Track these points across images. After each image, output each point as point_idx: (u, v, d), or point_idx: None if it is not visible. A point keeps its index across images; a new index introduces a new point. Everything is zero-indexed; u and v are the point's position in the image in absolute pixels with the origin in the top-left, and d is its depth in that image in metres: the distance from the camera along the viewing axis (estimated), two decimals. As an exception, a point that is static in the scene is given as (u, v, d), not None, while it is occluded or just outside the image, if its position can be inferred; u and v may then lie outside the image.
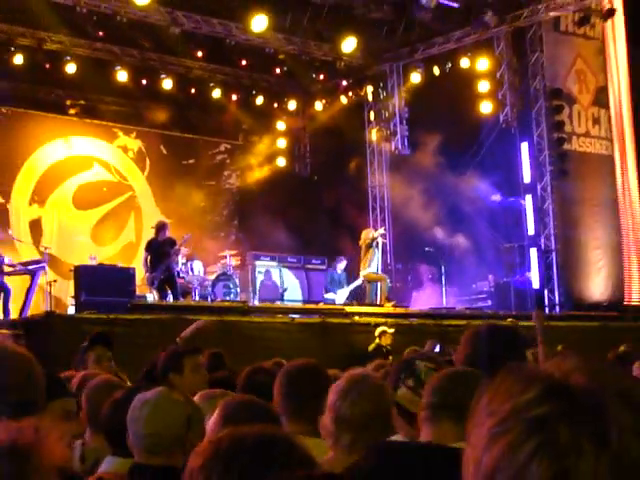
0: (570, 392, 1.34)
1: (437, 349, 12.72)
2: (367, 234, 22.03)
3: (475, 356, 4.66)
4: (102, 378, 5.93)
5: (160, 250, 19.79)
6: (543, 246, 23.41)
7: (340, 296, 22.29)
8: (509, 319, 18.42)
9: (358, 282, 22.43)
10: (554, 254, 23.32)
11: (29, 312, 19.35)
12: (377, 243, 22.08)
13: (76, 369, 8.35)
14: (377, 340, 17.36)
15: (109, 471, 4.51)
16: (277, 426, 3.86)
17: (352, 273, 22.77)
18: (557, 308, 23.21)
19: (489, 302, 23.38)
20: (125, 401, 4.54)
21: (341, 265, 22.74)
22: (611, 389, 1.35)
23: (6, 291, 19.51)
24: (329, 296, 22.51)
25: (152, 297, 20.27)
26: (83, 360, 8.83)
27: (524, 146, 23.69)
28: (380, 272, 22.56)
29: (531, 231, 23.65)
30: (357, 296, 22.65)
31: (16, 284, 20.29)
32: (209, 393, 5.47)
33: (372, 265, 22.01)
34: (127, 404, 4.43)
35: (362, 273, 22.05)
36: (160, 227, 20.21)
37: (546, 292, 23.36)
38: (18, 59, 22.32)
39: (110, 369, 8.24)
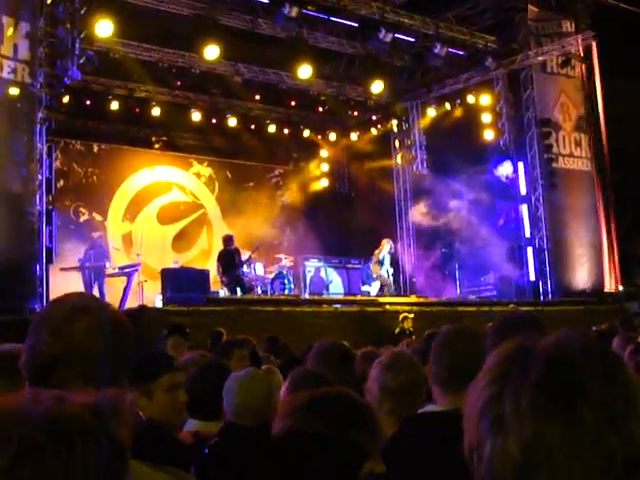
0: (533, 350, 1.44)
1: None
2: (384, 246, 23.03)
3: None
4: (187, 357, 6.20)
5: (228, 258, 20.92)
6: (537, 246, 24.21)
7: (374, 288, 23.38)
8: (511, 305, 19.89)
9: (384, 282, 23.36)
10: (546, 252, 24.13)
11: (126, 306, 19.75)
12: (385, 257, 22.96)
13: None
14: (400, 324, 18.22)
15: (191, 430, 4.77)
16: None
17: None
18: (550, 296, 23.85)
19: (494, 292, 24.24)
20: (199, 377, 4.97)
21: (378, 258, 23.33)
22: (575, 347, 1.43)
23: (101, 292, 20.60)
24: (365, 288, 23.93)
25: (223, 293, 21.28)
26: (164, 346, 9.30)
27: (520, 165, 24.57)
28: (388, 278, 23.31)
29: (527, 234, 24.34)
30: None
31: (115, 284, 21.76)
32: (270, 369, 5.87)
33: (383, 271, 23.00)
34: (200, 379, 4.89)
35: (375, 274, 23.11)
36: (228, 239, 21.44)
37: (540, 283, 24.09)
38: (114, 105, 23.75)
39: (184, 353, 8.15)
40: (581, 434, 1.38)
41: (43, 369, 2.47)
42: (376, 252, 23.08)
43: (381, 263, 23.00)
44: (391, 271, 23.49)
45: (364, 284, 24.01)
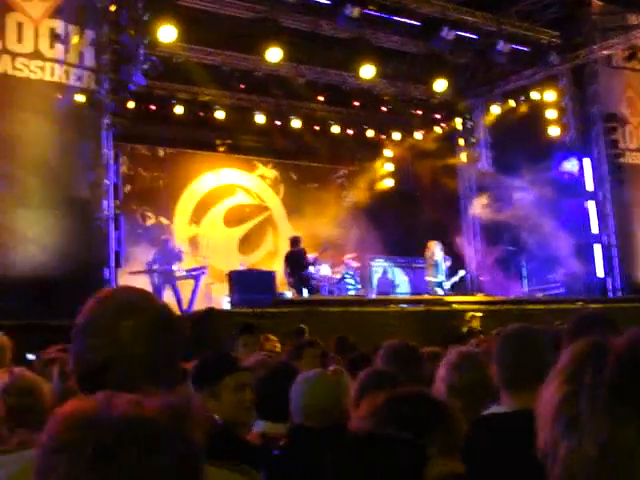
0: (606, 349, 1.43)
1: None
2: (432, 248, 22.93)
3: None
4: (254, 359, 6.19)
5: (295, 259, 21.14)
6: (605, 242, 23.95)
7: (445, 285, 23.19)
8: (579, 302, 20.10)
9: (460, 275, 23.47)
10: (614, 249, 23.89)
11: (194, 308, 20.23)
12: (437, 259, 22.83)
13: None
14: (468, 323, 17.91)
15: (264, 430, 4.82)
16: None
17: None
18: (618, 293, 23.63)
19: (562, 290, 24.10)
20: (267, 378, 5.01)
21: (445, 263, 23.49)
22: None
23: (176, 293, 21.00)
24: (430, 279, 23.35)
25: (290, 294, 21.19)
26: (235, 346, 9.46)
27: (586, 161, 24.27)
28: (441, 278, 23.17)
29: (595, 230, 24.09)
30: (456, 287, 23.53)
31: (182, 286, 21.65)
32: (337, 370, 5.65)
33: (434, 274, 22.87)
34: (268, 380, 4.91)
35: (427, 278, 22.94)
36: (294, 241, 21.69)
37: (608, 280, 23.80)
38: (178, 109, 23.97)
39: (254, 352, 8.35)
40: None
41: (91, 376, 2.35)
42: (427, 255, 23.04)
43: (436, 266, 22.93)
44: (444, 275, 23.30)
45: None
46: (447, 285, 23.29)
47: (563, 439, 1.42)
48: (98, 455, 1.33)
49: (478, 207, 26.46)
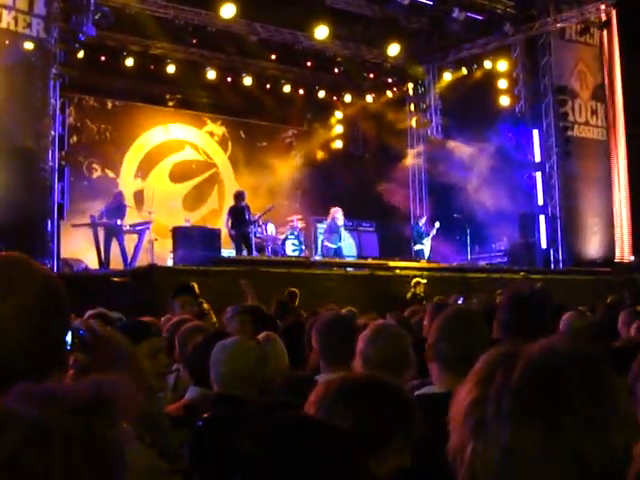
0: (517, 357, 1.46)
1: (460, 301, 12.69)
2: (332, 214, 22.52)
3: (514, 321, 4.82)
4: (191, 325, 6.05)
5: (238, 214, 20.85)
6: (550, 214, 24.21)
7: (426, 244, 23.53)
8: (521, 273, 20.25)
9: (436, 227, 23.47)
10: (559, 220, 24.18)
11: (137, 263, 20.09)
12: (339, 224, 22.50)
13: (171, 313, 8.71)
14: (412, 289, 18.10)
15: (193, 397, 4.79)
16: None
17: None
18: (561, 264, 23.99)
19: (505, 259, 24.36)
20: (204, 344, 4.89)
21: (422, 220, 24.18)
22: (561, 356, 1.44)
23: (122, 248, 20.55)
24: (417, 247, 23.71)
25: (232, 253, 21.14)
26: (171, 306, 9.30)
27: (535, 132, 24.50)
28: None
29: (540, 201, 24.36)
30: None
31: (126, 241, 21.10)
32: (270, 336, 5.87)
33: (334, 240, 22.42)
34: (205, 346, 4.77)
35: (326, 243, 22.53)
36: (238, 195, 21.44)
37: (552, 251, 24.12)
38: (129, 62, 23.61)
39: (193, 313, 8.39)
40: (561, 442, 1.38)
41: None
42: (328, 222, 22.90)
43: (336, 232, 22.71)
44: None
45: (416, 243, 23.87)
46: (427, 242, 23.60)
47: (470, 441, 1.44)
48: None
49: (412, 157, 27.04)
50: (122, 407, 1.39)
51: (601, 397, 1.44)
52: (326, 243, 22.52)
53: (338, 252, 22.36)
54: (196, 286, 9.75)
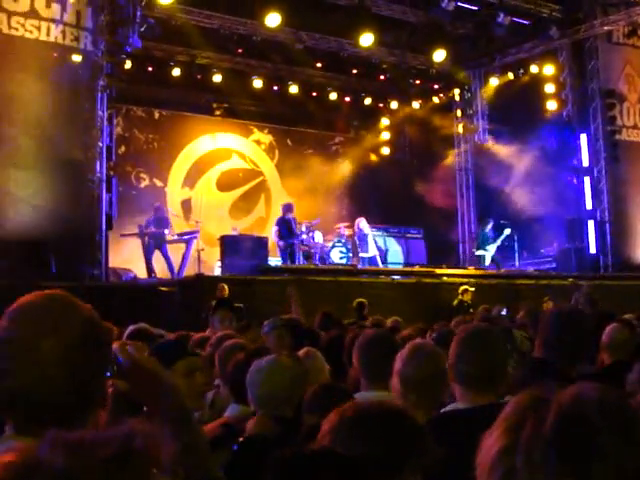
0: (548, 402, 1.44)
1: (504, 312, 12.79)
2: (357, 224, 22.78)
3: (552, 341, 4.79)
4: (232, 342, 5.97)
5: (286, 226, 21.17)
6: (599, 218, 23.93)
7: (490, 251, 23.10)
8: (570, 279, 20.21)
9: (506, 233, 22.87)
10: (608, 225, 23.88)
11: (184, 273, 20.47)
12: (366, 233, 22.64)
13: (211, 328, 8.91)
14: (459, 297, 18.03)
15: (233, 415, 4.78)
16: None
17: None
18: (610, 269, 23.64)
19: (554, 265, 24.14)
20: (245, 361, 4.82)
21: (489, 226, 23.33)
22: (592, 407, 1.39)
23: (166, 258, 21.01)
24: (479, 252, 23.52)
25: (279, 262, 21.41)
26: (211, 321, 9.48)
27: (583, 137, 24.26)
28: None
29: (589, 206, 24.07)
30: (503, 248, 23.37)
31: (174, 250, 21.76)
32: (310, 352, 5.79)
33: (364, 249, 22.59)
34: (246, 364, 4.70)
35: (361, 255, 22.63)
36: (286, 208, 21.69)
37: (601, 257, 23.88)
38: (176, 72, 23.83)
39: (231, 328, 8.42)
40: None
41: (4, 404, 2.10)
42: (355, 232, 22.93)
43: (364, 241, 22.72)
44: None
45: (479, 249, 23.63)
46: (492, 249, 23.17)
47: None
48: None
49: (455, 156, 27.11)
50: (153, 458, 1.36)
51: (634, 448, 1.41)
52: (361, 254, 22.56)
53: (372, 261, 22.40)
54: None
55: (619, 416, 1.45)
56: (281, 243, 21.13)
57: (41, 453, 1.30)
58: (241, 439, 4.06)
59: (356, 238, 22.72)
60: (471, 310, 15.76)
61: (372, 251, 22.58)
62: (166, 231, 21.60)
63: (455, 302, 17.90)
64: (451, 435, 3.27)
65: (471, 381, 3.93)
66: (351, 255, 23.53)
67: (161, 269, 21.03)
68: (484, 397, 3.80)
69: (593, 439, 1.39)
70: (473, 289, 18.20)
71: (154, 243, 21.05)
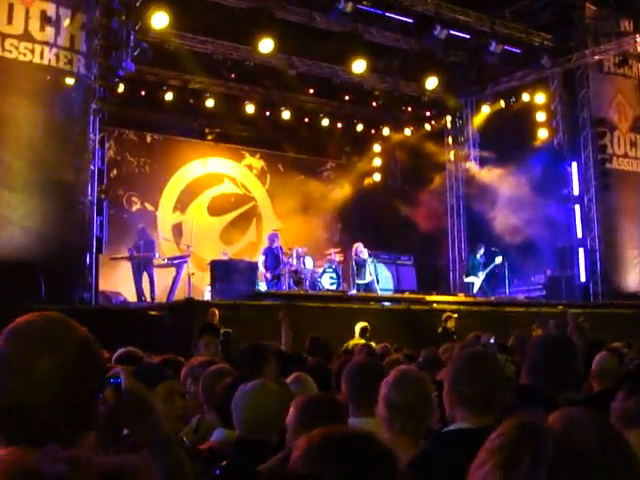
0: (540, 436, 1.40)
1: (492, 341, 12.56)
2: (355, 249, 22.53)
3: (538, 367, 4.81)
4: (217, 367, 5.96)
5: (272, 254, 21.42)
6: (589, 246, 23.88)
7: (480, 278, 23.21)
8: (559, 307, 19.71)
9: (497, 262, 23.02)
10: (598, 253, 23.82)
11: (174, 297, 20.37)
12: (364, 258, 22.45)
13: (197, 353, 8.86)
14: (443, 324, 17.68)
15: (219, 440, 4.80)
16: (344, 418, 4.31)
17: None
18: (600, 297, 23.46)
19: (544, 292, 23.96)
20: (232, 386, 4.85)
21: (480, 252, 23.46)
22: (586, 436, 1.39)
23: (152, 281, 20.99)
24: (469, 279, 23.63)
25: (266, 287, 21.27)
26: (196, 346, 9.44)
27: (574, 165, 24.33)
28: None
29: (579, 234, 24.08)
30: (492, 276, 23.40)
31: (164, 274, 21.88)
32: (300, 377, 5.87)
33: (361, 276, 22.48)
34: (233, 388, 4.74)
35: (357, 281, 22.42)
36: (271, 238, 21.94)
37: (591, 285, 23.71)
38: (168, 96, 23.92)
39: (216, 353, 8.54)
40: None
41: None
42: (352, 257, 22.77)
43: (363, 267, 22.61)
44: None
45: (468, 275, 23.72)
46: (482, 275, 23.21)
47: None
48: None
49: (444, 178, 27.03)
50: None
51: (629, 463, 1.42)
52: (357, 281, 22.46)
53: (370, 286, 22.31)
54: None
55: (616, 447, 1.45)
56: (268, 275, 21.28)
57: (40, 463, 1.33)
58: (224, 463, 4.04)
59: (353, 264, 22.60)
60: (455, 337, 15.77)
61: (369, 277, 22.50)
62: (156, 254, 21.68)
63: (440, 329, 17.74)
64: (456, 451, 3.20)
65: (473, 402, 4.01)
66: (342, 281, 23.33)
67: (149, 292, 20.98)
68: (484, 418, 3.88)
69: (593, 475, 1.39)
70: (456, 316, 17.96)
71: (143, 265, 21.01)
